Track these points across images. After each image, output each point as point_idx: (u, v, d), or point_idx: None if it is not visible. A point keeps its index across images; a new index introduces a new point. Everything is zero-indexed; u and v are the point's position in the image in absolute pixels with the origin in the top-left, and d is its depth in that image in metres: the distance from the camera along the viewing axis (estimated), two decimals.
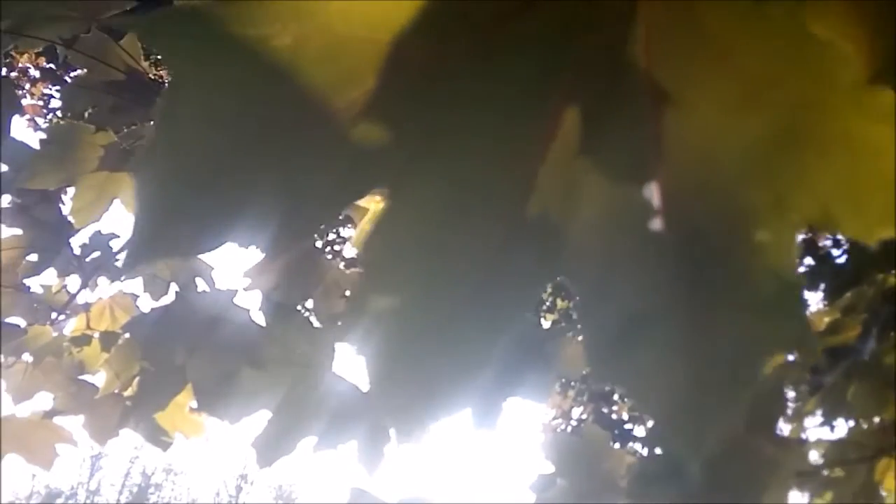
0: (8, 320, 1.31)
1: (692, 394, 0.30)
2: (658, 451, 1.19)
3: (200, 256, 1.40)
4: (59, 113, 5.56)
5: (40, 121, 5.63)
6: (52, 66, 5.22)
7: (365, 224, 1.10)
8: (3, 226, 1.22)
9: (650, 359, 0.31)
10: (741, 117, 0.30)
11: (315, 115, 0.21)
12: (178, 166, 0.20)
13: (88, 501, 19.84)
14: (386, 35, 0.21)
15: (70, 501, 19.87)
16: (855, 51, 0.30)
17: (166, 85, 0.23)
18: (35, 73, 5.62)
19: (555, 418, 6.92)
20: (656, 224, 0.30)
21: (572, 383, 6.94)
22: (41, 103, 5.73)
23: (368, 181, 0.26)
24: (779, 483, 0.83)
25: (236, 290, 1.27)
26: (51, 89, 5.75)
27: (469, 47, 0.24)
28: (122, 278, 1.32)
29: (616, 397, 6.91)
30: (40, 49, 0.98)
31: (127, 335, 1.16)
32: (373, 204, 0.99)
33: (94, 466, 20.23)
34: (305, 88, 0.21)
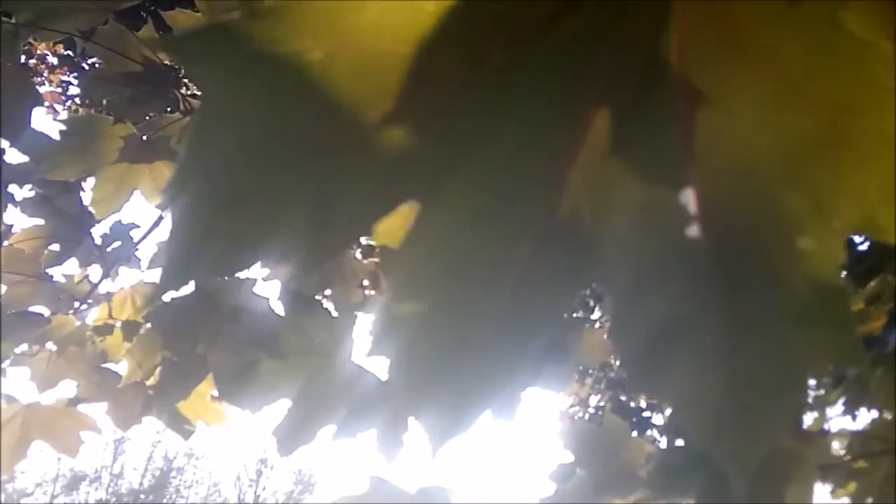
0: (31, 309, 1.32)
1: (733, 406, 0.29)
2: (678, 440, 1.19)
3: None
4: (77, 100, 5.59)
5: (59, 108, 5.66)
6: (69, 53, 5.24)
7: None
8: (25, 216, 1.22)
9: (687, 368, 0.30)
10: (777, 119, 0.29)
11: (346, 129, 0.21)
12: (210, 187, 0.20)
13: (112, 484, 20.15)
14: (415, 48, 0.21)
15: (94, 484, 20.18)
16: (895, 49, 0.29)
17: (197, 103, 0.22)
18: (53, 60, 5.65)
19: (572, 406, 6.93)
20: (692, 229, 0.30)
21: (590, 371, 6.94)
22: (59, 90, 5.76)
23: (400, 193, 0.26)
24: (803, 477, 0.82)
25: (255, 280, 1.28)
26: (69, 76, 5.78)
27: (497, 56, 0.24)
28: (143, 268, 1.33)
29: (651, 395, 6.88)
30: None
31: (148, 325, 1.17)
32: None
33: (118, 450, 20.51)
34: (336, 103, 0.20)
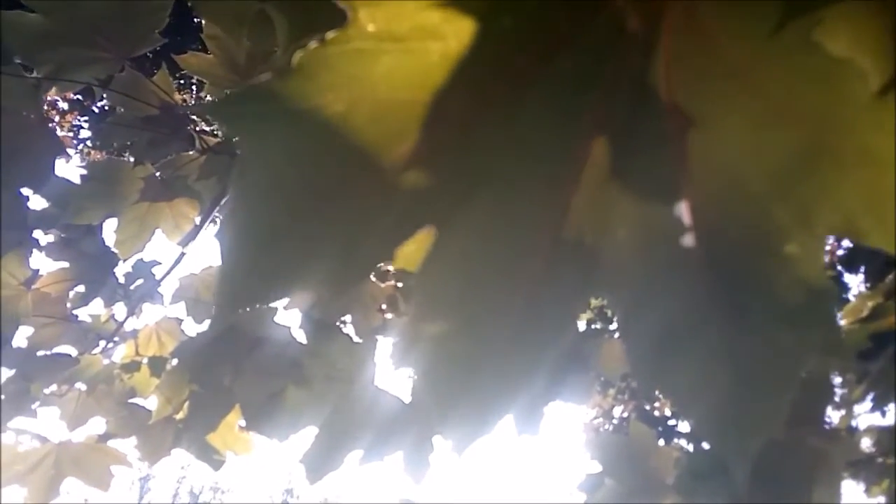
0: (58, 350, 1.35)
1: (734, 401, 0.31)
2: (704, 446, 1.20)
3: None
4: (88, 143, 5.68)
5: (71, 151, 5.75)
6: (79, 97, 5.34)
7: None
8: (50, 260, 1.26)
9: (691, 369, 0.32)
10: (764, 136, 0.31)
11: (368, 172, 0.23)
12: (251, 230, 0.23)
13: None
14: (426, 95, 0.23)
15: None
16: (871, 66, 0.31)
17: (237, 158, 0.25)
18: (63, 105, 5.75)
19: (596, 418, 6.90)
20: (688, 240, 0.32)
21: (613, 382, 6.92)
22: (70, 134, 5.87)
23: (418, 222, 0.28)
24: (829, 475, 0.83)
25: (276, 309, 1.30)
26: (79, 120, 5.88)
27: (501, 95, 0.26)
28: (167, 304, 1.36)
29: (658, 394, 6.87)
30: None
31: (175, 361, 1.20)
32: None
33: (144, 488, 20.54)
34: (358, 149, 0.23)
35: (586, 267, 0.32)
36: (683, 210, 0.32)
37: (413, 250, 0.29)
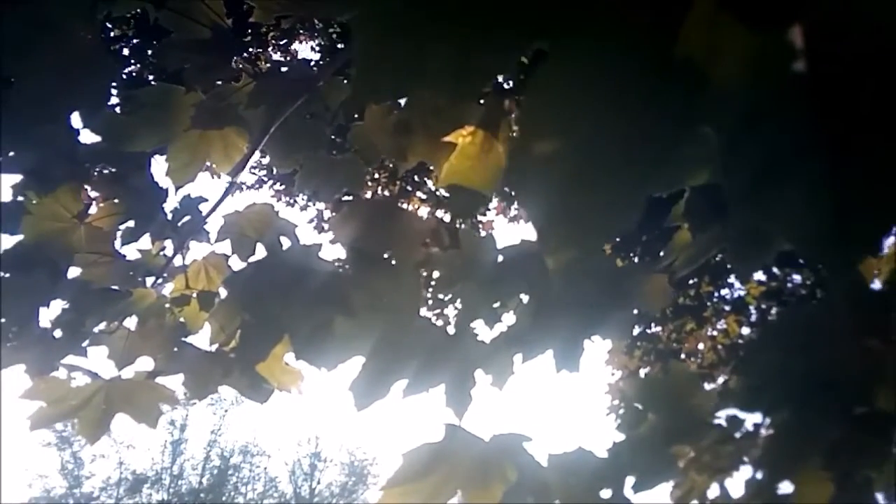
0: (109, 286, 1.38)
1: (839, 220, 0.32)
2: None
3: (284, 215, 1.45)
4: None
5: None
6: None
7: (450, 160, 1.12)
8: (99, 195, 1.28)
9: (794, 193, 0.32)
10: None
11: None
12: (382, 33, 0.24)
13: (172, 485, 20.64)
14: None
15: (156, 486, 20.70)
16: None
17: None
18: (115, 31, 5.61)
19: (622, 378, 6.90)
20: (799, 66, 0.32)
21: (638, 343, 6.91)
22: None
23: (533, 35, 0.28)
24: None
25: (321, 245, 1.32)
26: (132, 43, 5.68)
27: None
28: (213, 241, 1.37)
29: (683, 355, 6.84)
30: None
31: (226, 291, 1.21)
32: (460, 139, 1.00)
33: (176, 452, 21.00)
34: None
35: (693, 91, 0.32)
36: (797, 34, 0.32)
37: (461, 163, 0.29)
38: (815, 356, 0.69)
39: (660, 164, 0.33)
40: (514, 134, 0.97)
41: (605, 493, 1.23)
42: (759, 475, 0.90)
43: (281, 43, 6.15)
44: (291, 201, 6.77)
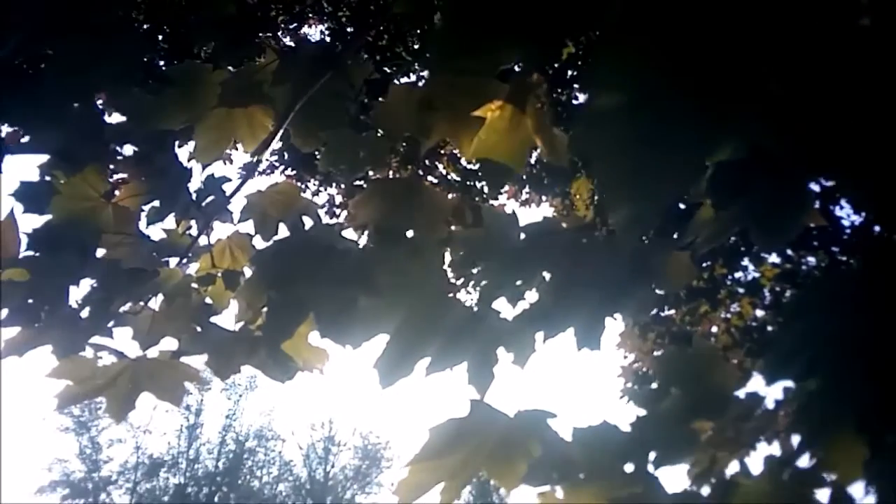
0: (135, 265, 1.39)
1: None
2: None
3: (306, 196, 1.46)
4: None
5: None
6: None
7: (479, 135, 1.12)
8: (124, 175, 1.29)
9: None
10: None
11: None
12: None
13: (189, 469, 20.87)
14: None
15: (172, 470, 20.95)
16: None
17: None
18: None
19: (635, 362, 6.91)
20: None
21: (652, 326, 6.90)
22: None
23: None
24: None
25: (343, 224, 1.32)
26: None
27: None
28: (237, 221, 1.38)
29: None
30: None
31: (252, 269, 1.22)
32: (489, 113, 1.00)
33: (192, 436, 21.23)
34: None
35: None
36: None
37: (490, 137, 0.29)
38: (850, 321, 0.69)
39: (723, 130, 0.33)
40: (541, 106, 0.98)
41: (629, 468, 1.24)
42: (789, 443, 0.90)
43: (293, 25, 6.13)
44: (303, 187, 6.80)
